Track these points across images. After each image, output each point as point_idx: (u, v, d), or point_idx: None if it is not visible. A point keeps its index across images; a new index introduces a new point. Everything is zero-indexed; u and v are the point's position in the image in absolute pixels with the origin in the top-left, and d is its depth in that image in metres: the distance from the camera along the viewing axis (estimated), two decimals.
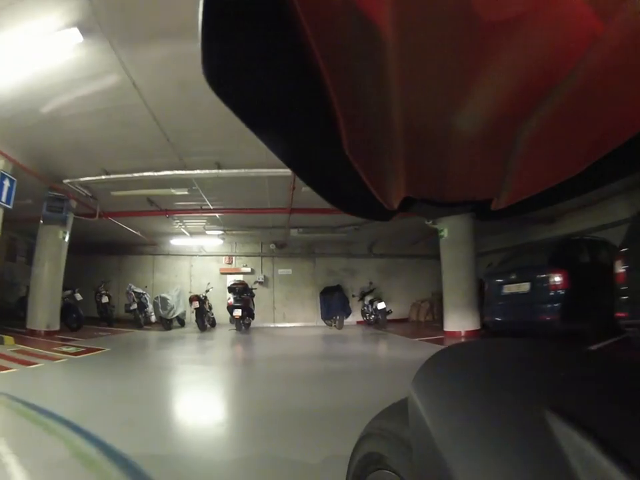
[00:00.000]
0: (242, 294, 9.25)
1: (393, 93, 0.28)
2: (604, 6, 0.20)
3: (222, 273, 11.56)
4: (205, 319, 9.56)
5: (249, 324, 9.96)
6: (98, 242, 11.16)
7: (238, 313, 8.85)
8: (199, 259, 11.95)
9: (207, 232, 10.29)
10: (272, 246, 11.59)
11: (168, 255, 12.04)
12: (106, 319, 9.99)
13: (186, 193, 7.08)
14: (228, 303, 9.08)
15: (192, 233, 10.73)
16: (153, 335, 8.65)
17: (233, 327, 9.11)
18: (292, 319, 11.53)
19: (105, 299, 10.10)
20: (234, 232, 10.30)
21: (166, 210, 8.22)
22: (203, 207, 8.04)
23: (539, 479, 0.23)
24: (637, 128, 0.28)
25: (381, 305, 9.46)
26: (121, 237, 10.85)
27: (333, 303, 10.02)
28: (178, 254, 12.00)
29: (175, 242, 11.27)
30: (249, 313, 9.43)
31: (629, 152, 0.30)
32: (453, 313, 7.13)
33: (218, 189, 7.06)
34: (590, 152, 0.32)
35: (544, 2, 0.21)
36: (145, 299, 10.08)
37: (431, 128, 0.33)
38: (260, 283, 11.43)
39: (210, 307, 10.33)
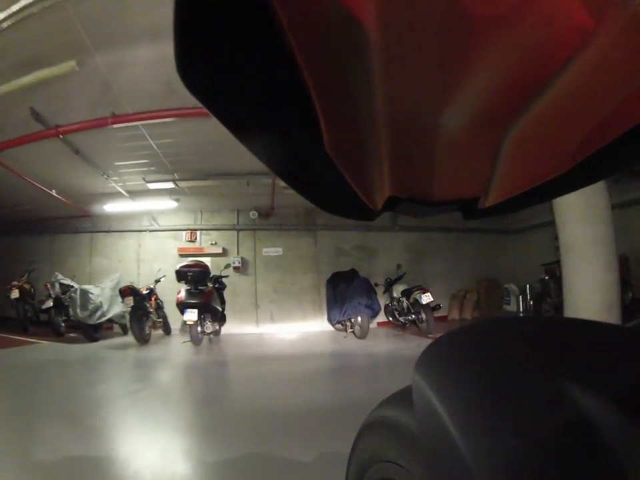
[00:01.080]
0: (199, 283, 5.65)
1: (378, 90, 0.27)
2: (594, 2, 0.21)
3: (181, 255, 7.87)
4: (145, 325, 5.93)
5: (218, 332, 6.34)
6: (17, 217, 7.81)
7: (192, 316, 5.21)
8: (150, 236, 8.25)
9: (150, 186, 6.61)
10: (253, 214, 7.96)
11: (109, 232, 8.34)
12: (22, 321, 6.68)
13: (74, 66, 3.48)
14: (177, 299, 5.46)
15: (132, 193, 7.05)
16: (36, 353, 5.03)
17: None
18: (283, 319, 7.91)
19: (14, 294, 6.62)
20: (191, 183, 6.62)
21: (56, 126, 4.54)
22: (117, 115, 4.37)
23: (562, 450, 0.23)
24: (626, 125, 0.28)
25: (426, 298, 5.90)
26: (39, 206, 7.37)
27: (351, 295, 6.33)
28: (122, 230, 8.30)
29: (111, 208, 7.56)
30: (213, 314, 5.82)
31: (618, 149, 0.30)
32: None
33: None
34: (579, 149, 0.32)
35: None
36: (74, 294, 6.39)
37: (417, 126, 0.32)
38: (235, 268, 7.78)
39: (160, 306, 6.69)
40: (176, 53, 0.20)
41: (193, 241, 8.06)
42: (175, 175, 6.40)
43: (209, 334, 5.84)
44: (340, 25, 0.22)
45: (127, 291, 5.87)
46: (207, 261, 7.67)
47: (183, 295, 5.39)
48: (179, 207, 8.06)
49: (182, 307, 5.29)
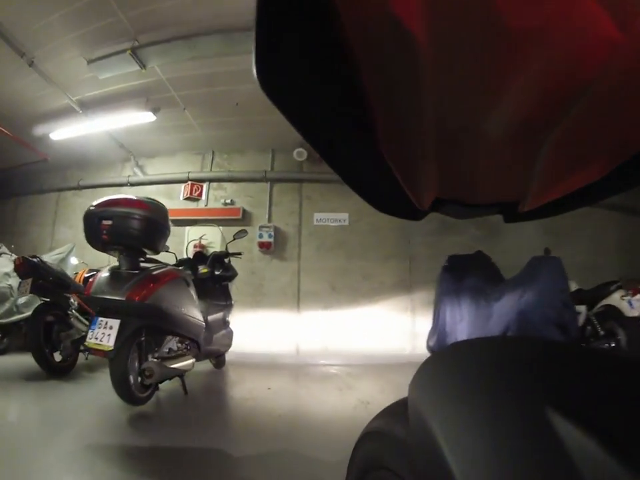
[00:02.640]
0: (137, 252, 2.15)
1: (427, 95, 0.29)
2: (622, 16, 0.22)
3: (174, 223, 4.63)
4: (67, 340, 2.71)
5: (220, 361, 3.16)
6: None
7: (105, 338, 1.77)
8: (132, 193, 5.10)
9: (100, 73, 3.40)
10: (299, 154, 4.49)
11: (79, 188, 5.36)
12: None
13: None
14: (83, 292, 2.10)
15: (83, 104, 3.93)
16: None
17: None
18: (344, 340, 4.40)
19: None
20: (177, 73, 3.31)
21: None
22: None
23: (543, 478, 0.24)
24: None
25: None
26: None
27: (511, 296, 2.61)
28: (93, 185, 5.27)
29: (59, 135, 4.52)
30: (183, 333, 2.26)
31: None
32: None
33: None
34: (614, 156, 0.33)
35: (565, 12, 0.22)
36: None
37: (461, 130, 0.33)
38: (262, 244, 4.37)
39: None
40: (256, 61, 0.22)
41: (195, 198, 4.78)
42: (137, 40, 3.10)
43: (175, 377, 2.26)
44: (393, 33, 0.23)
45: (23, 265, 2.68)
46: (215, 233, 4.37)
47: (96, 281, 2.02)
48: (175, 145, 4.84)
49: (91, 309, 1.94)
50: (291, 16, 0.22)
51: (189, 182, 4.77)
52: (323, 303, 4.48)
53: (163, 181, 4.94)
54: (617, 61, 0.24)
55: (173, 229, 3.23)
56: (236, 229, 4.16)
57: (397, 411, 0.51)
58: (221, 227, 3.90)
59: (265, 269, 4.50)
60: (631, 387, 0.29)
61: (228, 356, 3.55)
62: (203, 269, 3.40)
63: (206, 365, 3.38)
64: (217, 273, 3.33)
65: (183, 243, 4.12)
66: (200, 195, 4.75)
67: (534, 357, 0.36)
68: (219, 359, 3.47)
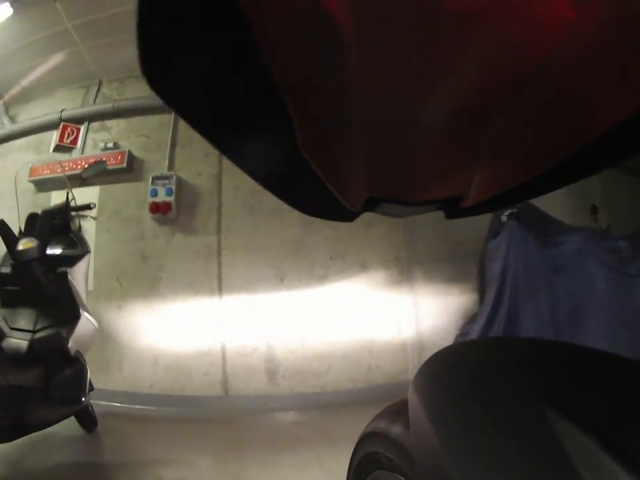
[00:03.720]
0: None
1: (351, 87, 0.26)
2: None
3: (34, 183, 2.99)
4: None
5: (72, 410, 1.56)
6: None
7: None
8: None
9: None
10: None
11: None
12: None
13: None
14: None
15: None
16: None
17: None
18: (317, 369, 2.58)
19: None
20: None
21: None
22: None
23: (542, 478, 0.24)
24: (609, 124, 0.26)
25: None
26: None
27: None
28: None
29: None
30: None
31: (601, 147, 0.29)
32: None
33: None
34: (559, 148, 0.31)
35: None
36: None
37: (393, 124, 0.30)
38: (155, 206, 2.66)
39: None
40: (140, 52, 0.18)
41: (68, 147, 3.12)
42: None
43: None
44: (310, 18, 0.20)
45: None
46: (93, 193, 2.72)
47: None
48: (52, 79, 3.25)
49: None
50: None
51: (62, 124, 3.13)
52: (265, 306, 2.65)
53: (30, 129, 3.32)
54: (568, 45, 0.22)
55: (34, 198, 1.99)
56: (118, 190, 2.43)
57: (396, 411, 0.52)
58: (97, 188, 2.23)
59: (162, 250, 2.74)
60: (627, 386, 0.29)
61: (109, 399, 1.90)
62: (24, 244, 1.78)
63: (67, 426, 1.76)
64: (52, 251, 1.74)
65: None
66: (75, 141, 3.10)
67: (534, 358, 0.36)
68: (83, 413, 1.88)
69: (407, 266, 2.78)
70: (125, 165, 2.82)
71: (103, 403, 2.29)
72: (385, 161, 0.35)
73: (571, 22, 0.20)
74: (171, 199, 2.69)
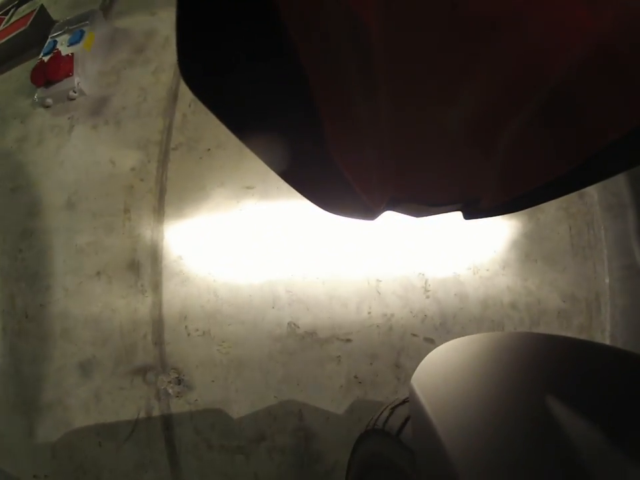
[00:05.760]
0: None
1: (380, 89, 0.27)
2: (594, 2, 0.21)
3: None
4: None
5: None
6: None
7: None
8: None
9: None
10: None
11: None
12: None
13: None
14: None
15: None
16: None
17: None
18: None
19: None
20: None
21: None
22: None
23: (549, 471, 0.24)
24: (628, 126, 0.26)
25: None
26: None
27: None
28: None
29: None
30: None
31: (621, 149, 0.28)
32: None
33: None
34: (584, 147, 0.30)
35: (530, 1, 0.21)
36: None
37: (417, 125, 0.31)
38: (48, 75, 1.08)
39: None
40: (178, 49, 0.18)
41: None
42: None
43: None
44: (343, 23, 0.21)
45: None
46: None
47: None
48: None
49: None
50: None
51: None
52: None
53: None
54: (585, 50, 0.22)
55: None
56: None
57: (397, 407, 0.51)
58: None
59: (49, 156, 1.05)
60: (632, 381, 0.29)
61: None
62: None
63: None
64: None
65: None
66: None
67: (537, 353, 0.35)
68: None
69: None
70: (27, 25, 1.34)
71: None
72: (406, 162, 0.35)
73: (587, 28, 0.21)
74: (77, 48, 1.06)
